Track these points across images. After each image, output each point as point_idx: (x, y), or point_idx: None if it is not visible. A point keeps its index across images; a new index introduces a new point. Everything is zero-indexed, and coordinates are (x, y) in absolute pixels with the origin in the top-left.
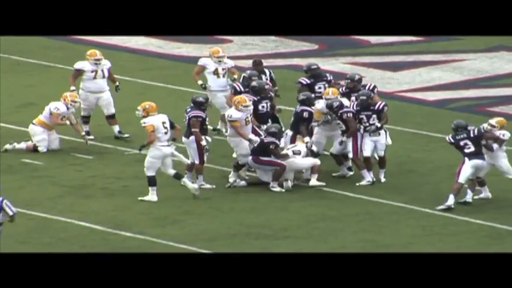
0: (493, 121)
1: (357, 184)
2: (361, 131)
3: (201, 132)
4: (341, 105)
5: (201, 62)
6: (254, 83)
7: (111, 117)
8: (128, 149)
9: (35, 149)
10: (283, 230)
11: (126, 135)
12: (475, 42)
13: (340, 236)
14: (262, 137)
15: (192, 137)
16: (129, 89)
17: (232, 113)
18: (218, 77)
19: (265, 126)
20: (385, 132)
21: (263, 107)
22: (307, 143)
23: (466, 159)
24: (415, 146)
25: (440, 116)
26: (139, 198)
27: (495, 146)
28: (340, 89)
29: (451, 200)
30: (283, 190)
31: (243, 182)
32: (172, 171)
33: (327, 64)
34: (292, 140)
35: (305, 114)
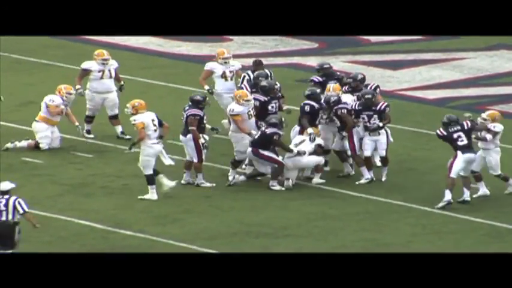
0: (484, 115)
1: (357, 182)
2: (360, 129)
3: (199, 131)
4: (338, 101)
5: (207, 66)
6: (264, 83)
7: (114, 118)
8: (128, 148)
9: (36, 146)
10: (283, 229)
11: (128, 137)
12: (475, 40)
13: (340, 234)
14: (263, 128)
15: (190, 135)
16: (130, 88)
17: (234, 107)
18: (226, 80)
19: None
20: (386, 132)
21: (272, 107)
22: (310, 134)
23: (459, 152)
24: (415, 144)
25: (441, 115)
26: (139, 197)
27: (488, 136)
28: (343, 88)
29: (448, 195)
30: (283, 189)
31: (242, 177)
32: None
33: None
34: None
35: (306, 108)
